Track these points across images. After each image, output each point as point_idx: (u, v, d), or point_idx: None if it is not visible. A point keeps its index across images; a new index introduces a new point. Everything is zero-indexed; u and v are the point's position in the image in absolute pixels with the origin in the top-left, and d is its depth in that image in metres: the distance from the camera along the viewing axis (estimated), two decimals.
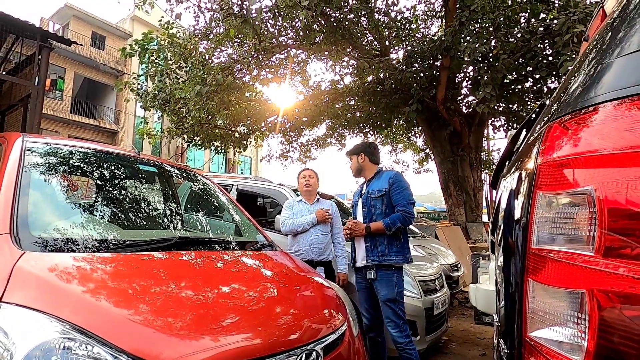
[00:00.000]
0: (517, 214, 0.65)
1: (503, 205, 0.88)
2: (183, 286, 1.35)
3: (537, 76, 7.09)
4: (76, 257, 1.29)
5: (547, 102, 0.83)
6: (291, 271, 1.94)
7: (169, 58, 8.20)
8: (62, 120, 16.52)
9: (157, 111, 9.47)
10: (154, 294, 1.24)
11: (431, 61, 7.59)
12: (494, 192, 1.17)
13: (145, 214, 2.07)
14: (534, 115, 0.94)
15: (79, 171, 1.96)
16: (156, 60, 8.36)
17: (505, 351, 0.66)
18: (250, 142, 10.58)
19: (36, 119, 4.58)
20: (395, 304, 2.29)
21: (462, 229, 7.82)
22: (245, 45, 7.97)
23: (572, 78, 0.64)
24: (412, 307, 2.88)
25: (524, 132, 0.98)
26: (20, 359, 0.89)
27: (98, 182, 2.06)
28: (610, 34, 0.59)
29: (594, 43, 0.63)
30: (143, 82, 9.45)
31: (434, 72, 7.59)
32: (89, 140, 16.24)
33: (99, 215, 1.77)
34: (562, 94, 0.64)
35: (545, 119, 0.65)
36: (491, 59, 6.34)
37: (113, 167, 2.11)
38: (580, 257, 0.47)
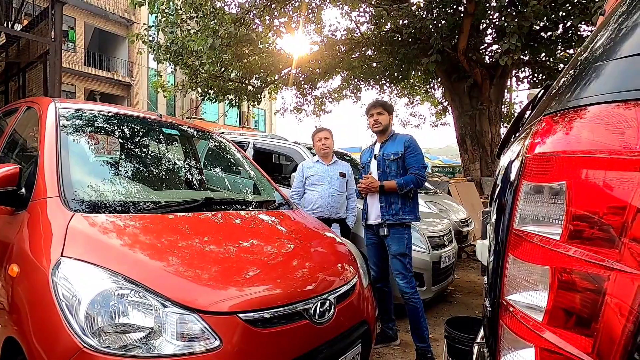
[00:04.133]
0: (507, 193, 0.73)
1: (503, 169, 0.94)
2: (211, 243, 1.52)
3: (569, 23, 6.60)
4: (118, 217, 1.45)
5: (554, 83, 0.86)
6: (307, 228, 2.10)
7: (179, 7, 7.93)
8: (77, 73, 16.56)
9: (170, 64, 9.37)
10: (187, 249, 1.42)
11: (454, 7, 7.10)
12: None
13: (173, 176, 2.23)
14: (540, 94, 0.98)
15: (111, 135, 2.09)
16: (166, 10, 8.11)
17: (489, 309, 0.78)
18: (264, 95, 10.47)
19: (57, 76, 4.67)
20: (404, 258, 2.48)
21: (476, 184, 7.85)
22: None
23: (570, 72, 0.68)
24: (421, 260, 3.07)
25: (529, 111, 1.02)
26: (86, 303, 1.08)
27: (127, 145, 2.19)
28: (604, 34, 0.62)
29: (591, 41, 0.66)
30: (154, 34, 9.26)
31: (457, 19, 7.14)
32: (105, 93, 16.21)
33: (133, 177, 1.93)
34: (557, 87, 0.68)
35: (541, 110, 0.70)
36: (519, 5, 5.89)
37: (138, 131, 2.23)
38: (549, 240, 0.56)
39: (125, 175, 1.94)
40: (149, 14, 9.23)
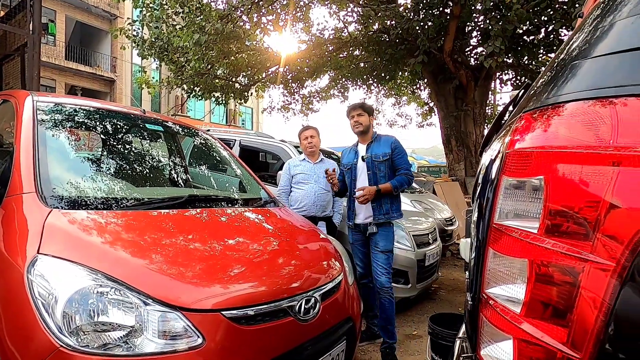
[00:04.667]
0: (488, 189, 0.74)
1: (484, 167, 0.95)
2: (196, 240, 1.50)
3: (551, 27, 6.78)
4: (98, 213, 1.42)
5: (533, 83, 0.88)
6: (292, 226, 2.09)
7: (164, 2, 7.79)
8: (58, 68, 16.07)
9: (155, 60, 9.19)
10: (170, 246, 1.39)
11: (440, 9, 7.20)
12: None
13: (157, 172, 2.18)
14: (521, 92, 1.00)
15: (91, 130, 2.03)
16: (151, 5, 7.95)
17: (470, 303, 0.80)
18: (251, 93, 10.38)
19: (35, 69, 4.52)
20: (390, 254, 2.54)
21: (460, 184, 7.98)
22: None
23: (548, 72, 0.69)
24: (405, 258, 3.10)
25: (511, 107, 1.04)
26: (64, 302, 1.05)
27: (109, 140, 2.14)
28: (580, 36, 0.63)
29: (568, 42, 0.68)
30: (139, 29, 9.06)
31: (443, 21, 7.24)
32: (86, 88, 15.73)
33: (114, 173, 1.88)
34: (536, 87, 0.70)
35: (521, 107, 0.72)
36: (503, 9, 6.02)
37: (121, 126, 2.18)
38: (528, 234, 0.57)
39: (107, 171, 1.89)
40: (133, 8, 9.04)
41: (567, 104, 0.58)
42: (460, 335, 1.17)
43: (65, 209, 1.37)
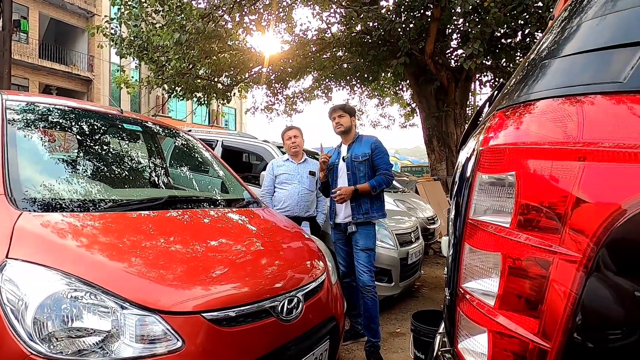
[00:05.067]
0: (464, 186, 0.76)
1: (460, 165, 0.98)
2: (175, 241, 1.47)
3: (527, 31, 7.00)
4: (72, 216, 1.37)
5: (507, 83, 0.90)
6: (275, 226, 2.08)
7: (143, 0, 7.62)
8: (31, 66, 15.48)
9: (134, 59, 8.97)
10: (149, 248, 1.36)
11: (421, 11, 7.33)
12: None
13: (135, 173, 2.13)
14: (495, 93, 1.02)
15: (64, 130, 1.97)
16: (129, 3, 7.76)
17: (448, 298, 0.81)
18: (234, 93, 10.28)
19: (6, 67, 4.33)
20: (371, 252, 2.55)
21: (442, 184, 8.14)
22: None
23: (520, 71, 0.71)
24: (389, 257, 3.13)
25: (487, 107, 1.07)
26: (34, 307, 1.01)
27: (83, 140, 2.07)
28: (549, 37, 0.66)
29: (538, 43, 0.70)
30: (117, 27, 8.82)
31: (424, 23, 7.37)
32: (62, 88, 15.20)
33: (90, 174, 1.82)
34: (509, 86, 0.72)
35: (495, 106, 0.74)
36: (481, 12, 6.18)
37: (98, 126, 2.11)
38: (500, 228, 0.59)
39: (83, 173, 1.83)
40: (110, 5, 8.80)
41: (537, 102, 0.60)
42: (441, 330, 1.19)
43: (37, 211, 1.32)
